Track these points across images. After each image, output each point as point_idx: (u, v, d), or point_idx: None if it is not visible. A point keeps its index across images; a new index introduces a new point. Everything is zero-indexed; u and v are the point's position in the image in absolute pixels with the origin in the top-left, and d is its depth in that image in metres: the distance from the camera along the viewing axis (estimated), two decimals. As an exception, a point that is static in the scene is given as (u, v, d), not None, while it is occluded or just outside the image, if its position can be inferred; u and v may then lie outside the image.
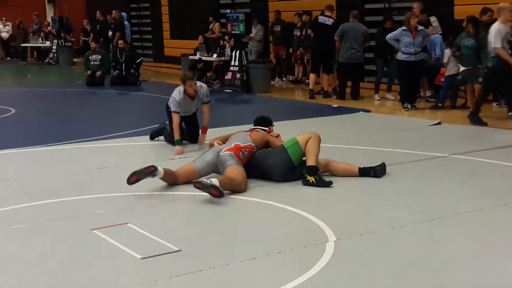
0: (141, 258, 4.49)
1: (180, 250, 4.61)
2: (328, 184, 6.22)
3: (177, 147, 7.89)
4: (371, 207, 5.67)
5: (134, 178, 6.01)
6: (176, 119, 8.02)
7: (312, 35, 13.26)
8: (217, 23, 17.09)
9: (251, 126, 7.08)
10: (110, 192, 6.24)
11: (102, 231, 5.05)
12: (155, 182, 6.26)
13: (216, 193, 5.74)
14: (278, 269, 4.32)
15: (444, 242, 4.74)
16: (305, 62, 14.96)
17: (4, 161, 7.89)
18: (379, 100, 12.34)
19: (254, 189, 6.19)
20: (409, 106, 11.04)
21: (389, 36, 11.21)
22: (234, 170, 6.16)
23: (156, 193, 6.17)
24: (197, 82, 8.26)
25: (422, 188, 6.19)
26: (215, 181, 5.83)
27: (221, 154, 6.38)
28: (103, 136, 9.08)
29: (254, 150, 6.55)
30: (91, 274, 4.28)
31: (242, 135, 6.69)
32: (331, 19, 12.81)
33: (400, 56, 11.03)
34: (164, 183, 6.32)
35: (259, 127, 6.97)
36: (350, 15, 12.54)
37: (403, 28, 10.90)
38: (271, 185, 6.35)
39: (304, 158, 6.42)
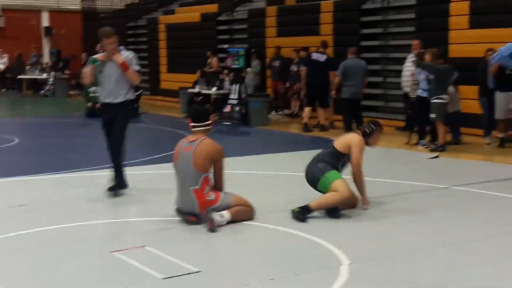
0: (163, 278, 4.65)
1: (200, 271, 4.77)
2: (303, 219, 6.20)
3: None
4: (382, 233, 5.88)
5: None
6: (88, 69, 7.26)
7: (305, 72, 13.48)
8: (215, 57, 17.40)
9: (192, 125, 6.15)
10: (123, 217, 6.41)
11: (121, 253, 5.21)
12: (168, 207, 6.43)
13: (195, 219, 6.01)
14: (297, 290, 4.51)
15: (460, 266, 4.97)
16: (301, 97, 15.24)
17: (21, 187, 8.06)
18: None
19: (263, 215, 6.34)
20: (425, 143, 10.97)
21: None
22: (239, 199, 6.24)
23: (168, 218, 6.31)
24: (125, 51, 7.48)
25: (428, 216, 6.43)
26: (226, 214, 5.99)
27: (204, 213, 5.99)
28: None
29: (209, 178, 6.10)
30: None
31: (186, 166, 6.00)
32: (324, 55, 13.13)
33: (420, 93, 10.91)
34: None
35: (199, 125, 6.08)
36: (348, 52, 12.79)
37: None
38: (281, 211, 6.54)
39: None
